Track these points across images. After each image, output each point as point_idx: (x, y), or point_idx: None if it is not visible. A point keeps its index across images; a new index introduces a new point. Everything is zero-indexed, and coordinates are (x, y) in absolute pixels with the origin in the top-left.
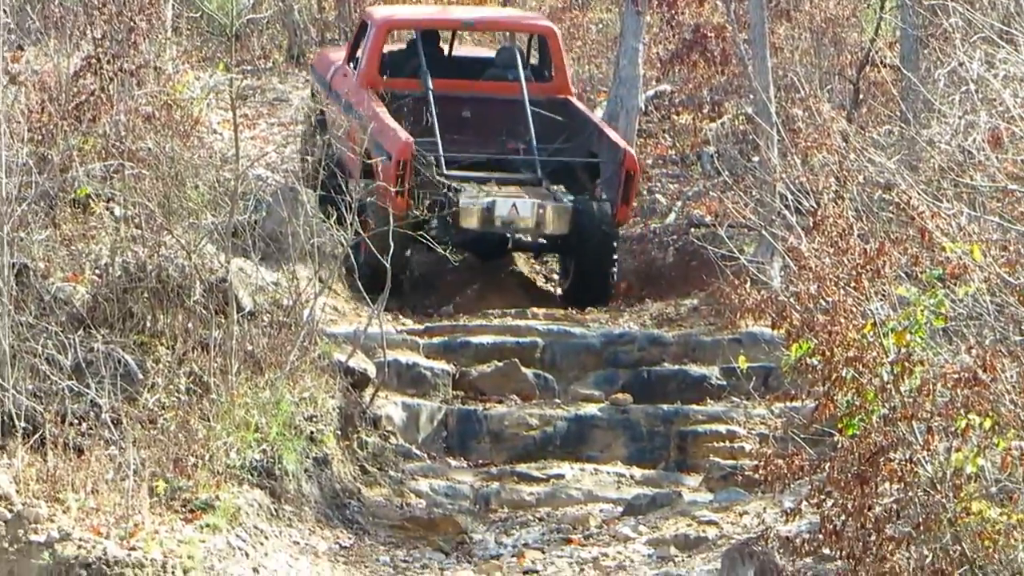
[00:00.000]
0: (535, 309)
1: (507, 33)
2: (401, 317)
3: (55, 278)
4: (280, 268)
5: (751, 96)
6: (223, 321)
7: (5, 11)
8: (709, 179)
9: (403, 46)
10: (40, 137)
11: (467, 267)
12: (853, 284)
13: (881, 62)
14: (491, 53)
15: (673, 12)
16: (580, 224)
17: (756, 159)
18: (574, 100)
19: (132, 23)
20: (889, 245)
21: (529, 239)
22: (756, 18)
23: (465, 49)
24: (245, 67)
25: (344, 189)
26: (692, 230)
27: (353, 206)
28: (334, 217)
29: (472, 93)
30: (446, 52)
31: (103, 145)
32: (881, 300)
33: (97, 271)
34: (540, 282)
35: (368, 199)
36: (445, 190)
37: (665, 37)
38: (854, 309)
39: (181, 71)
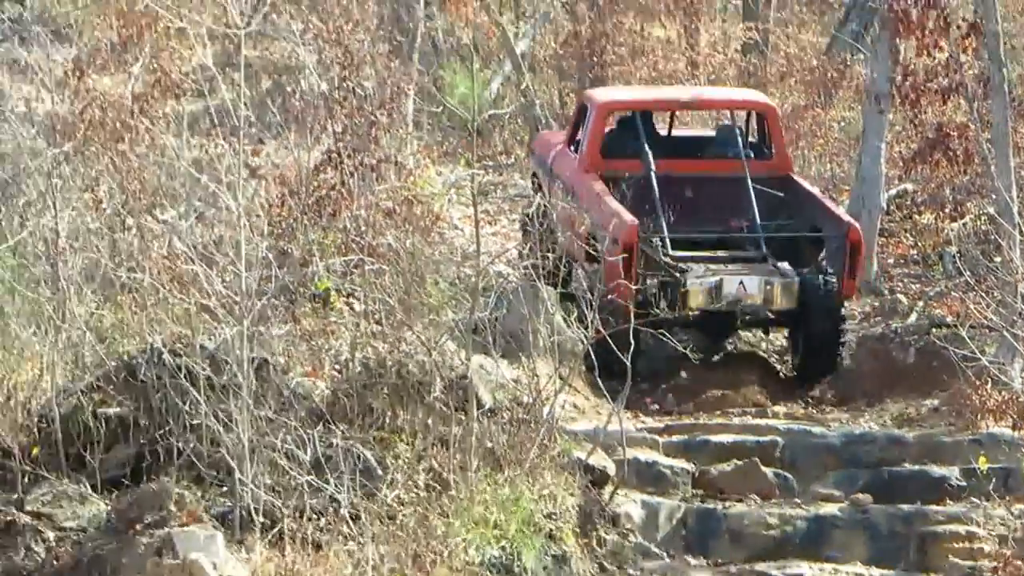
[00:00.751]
0: (774, 408)
1: (727, 112)
2: (641, 415)
3: (295, 373)
4: (520, 365)
5: (994, 196)
6: (463, 418)
7: (246, 104)
8: (951, 279)
9: (617, 127)
10: (280, 231)
11: (704, 365)
12: None
13: None
14: (710, 132)
15: (916, 111)
16: (807, 298)
17: (998, 259)
18: (795, 176)
19: (373, 117)
20: None
21: (757, 316)
22: (999, 116)
23: (684, 130)
24: (487, 162)
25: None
26: (933, 330)
27: (584, 295)
28: (574, 315)
29: (693, 173)
30: (665, 132)
31: (343, 240)
32: None
33: (337, 366)
34: (771, 360)
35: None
36: (672, 270)
37: (907, 136)
38: None
39: (422, 166)
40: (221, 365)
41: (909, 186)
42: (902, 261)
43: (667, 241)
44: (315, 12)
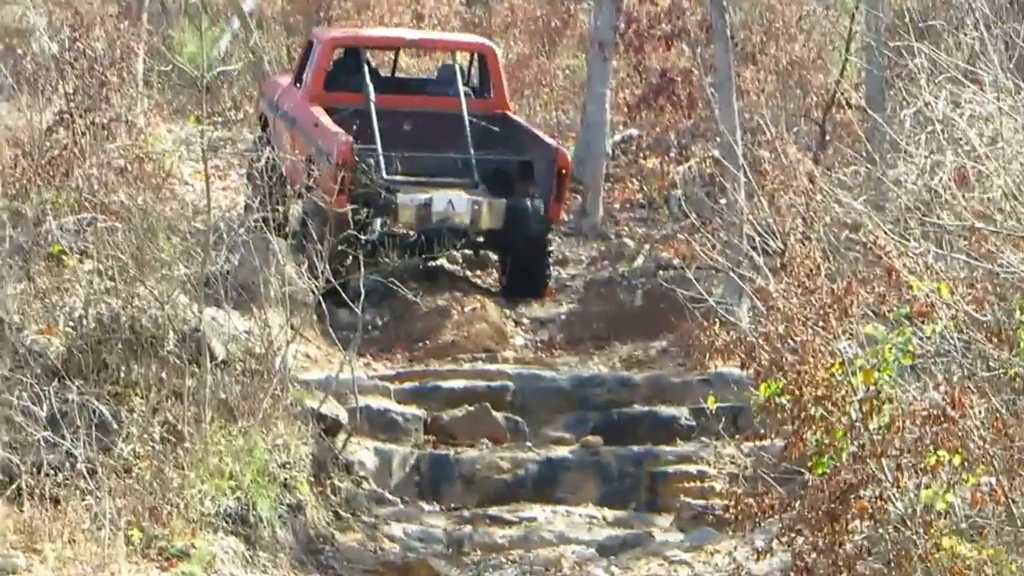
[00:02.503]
0: (504, 353)
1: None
2: (372, 363)
3: (30, 331)
4: (252, 317)
5: (718, 139)
6: (196, 370)
7: None
8: (677, 222)
9: (341, 63)
10: (14, 192)
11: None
12: (821, 323)
13: (847, 103)
14: (433, 76)
15: (640, 57)
16: (514, 220)
17: (723, 201)
18: (511, 114)
19: (103, 77)
20: (856, 284)
21: (466, 236)
22: (722, 62)
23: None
24: (216, 119)
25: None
26: (660, 273)
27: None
28: (305, 264)
29: (413, 108)
30: (389, 73)
31: (76, 199)
32: (849, 339)
33: (71, 323)
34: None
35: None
36: (384, 190)
37: (632, 82)
38: (822, 348)
39: (153, 124)
40: None
41: (634, 131)
42: (628, 205)
43: (381, 163)
44: None
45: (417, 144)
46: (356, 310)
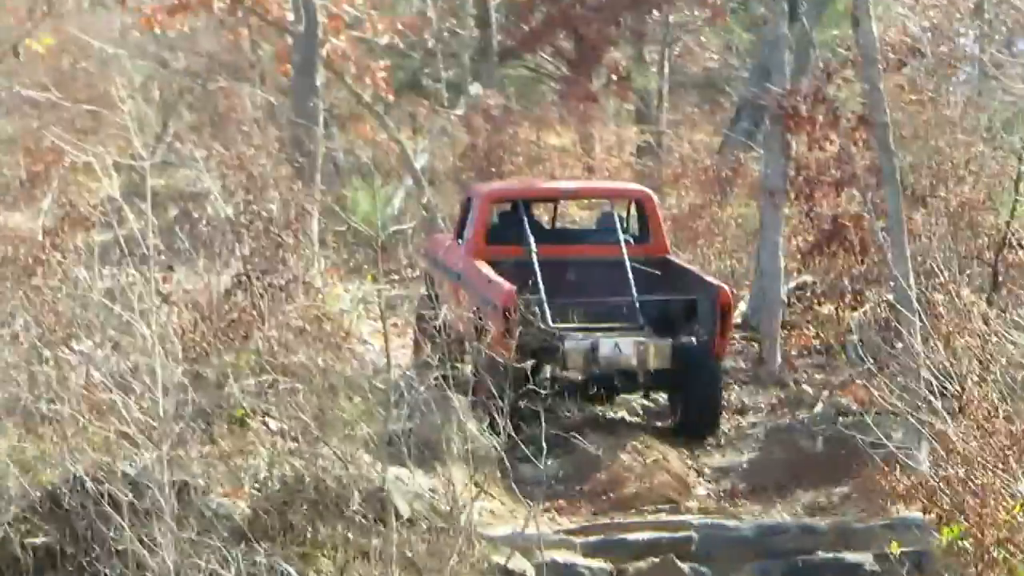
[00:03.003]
0: (687, 503)
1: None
2: (557, 517)
3: (215, 493)
4: (436, 474)
5: (891, 284)
6: (382, 529)
7: (154, 232)
8: (854, 367)
9: (502, 217)
10: (194, 355)
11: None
12: (1001, 465)
13: (1018, 243)
14: (591, 225)
15: (810, 204)
16: (680, 359)
17: (899, 346)
18: (672, 258)
19: (279, 239)
20: None
21: (634, 379)
22: (893, 206)
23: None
24: (392, 277)
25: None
26: (840, 419)
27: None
28: (486, 421)
29: (574, 257)
30: (548, 224)
31: (256, 361)
32: None
33: (256, 485)
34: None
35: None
36: (550, 336)
37: (804, 228)
38: (1003, 490)
39: (330, 284)
40: (142, 490)
41: (808, 278)
42: (805, 352)
43: (546, 310)
44: (217, 139)
45: (580, 292)
46: (539, 465)
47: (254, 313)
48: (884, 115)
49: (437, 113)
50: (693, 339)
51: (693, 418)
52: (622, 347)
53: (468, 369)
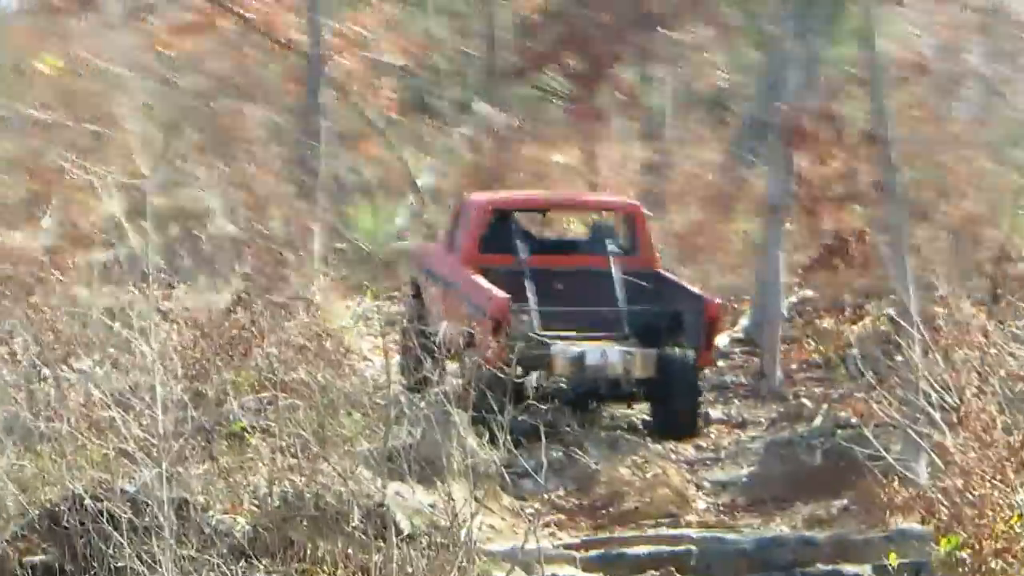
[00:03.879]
0: (688, 517)
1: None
2: (557, 532)
3: (215, 511)
4: (436, 490)
5: (892, 297)
6: (382, 545)
7: (155, 251)
8: (854, 381)
9: (493, 227)
10: (194, 373)
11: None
12: (999, 477)
13: (1018, 256)
14: (583, 237)
15: (813, 219)
16: (665, 369)
17: (899, 359)
18: (661, 271)
19: (280, 256)
20: None
21: (619, 387)
22: (895, 221)
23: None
24: (393, 294)
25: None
26: (839, 432)
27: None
28: (487, 436)
29: (564, 267)
30: (539, 235)
31: (256, 377)
32: None
33: (256, 502)
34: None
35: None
36: (539, 344)
37: (805, 244)
38: (1001, 502)
39: (331, 301)
40: (142, 507)
41: (809, 292)
42: (805, 366)
43: (535, 319)
44: (221, 158)
45: (569, 302)
46: (539, 480)
47: (254, 330)
48: (888, 131)
49: (442, 132)
50: (678, 350)
51: (672, 426)
52: (609, 356)
53: (456, 381)
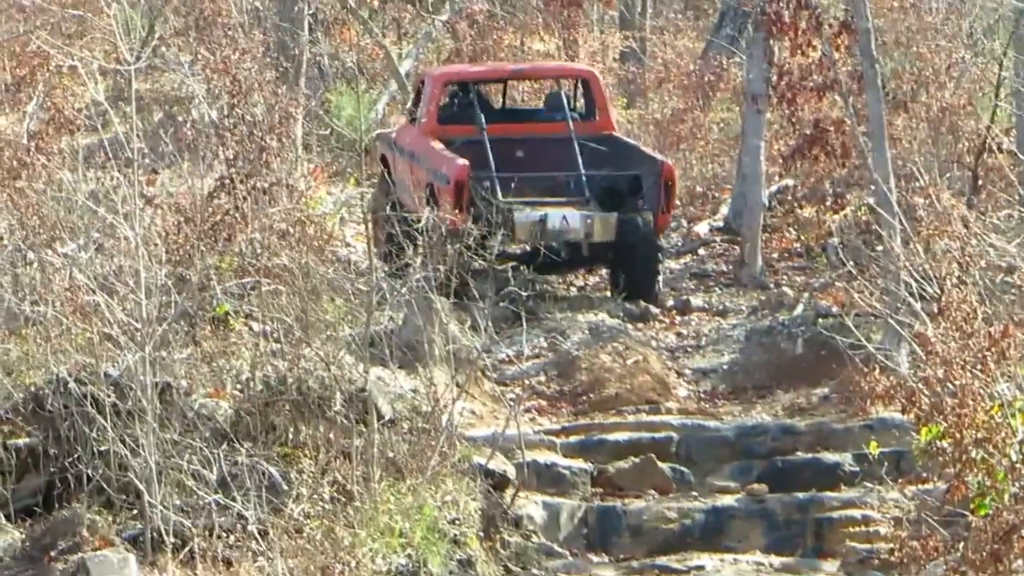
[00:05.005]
0: (668, 405)
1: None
2: (538, 418)
3: (198, 395)
4: (417, 375)
5: (872, 187)
6: (364, 430)
7: (139, 136)
8: (835, 270)
9: (453, 99)
10: (178, 258)
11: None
12: (979, 367)
13: (998, 148)
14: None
15: (792, 109)
16: (625, 232)
17: (880, 249)
18: (617, 134)
19: (263, 143)
20: (1013, 327)
21: (580, 250)
22: (874, 111)
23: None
24: (375, 180)
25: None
26: (820, 321)
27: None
28: (468, 323)
29: (523, 134)
30: (499, 103)
31: (239, 263)
32: (1008, 381)
33: (239, 386)
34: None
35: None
36: (501, 208)
37: (786, 133)
38: (981, 391)
39: (313, 187)
40: (126, 391)
41: (790, 182)
42: (786, 255)
43: (496, 185)
44: (202, 43)
45: (530, 169)
46: (521, 367)
47: (237, 216)
48: (866, 20)
49: (422, 18)
50: (637, 213)
51: (633, 288)
52: (569, 220)
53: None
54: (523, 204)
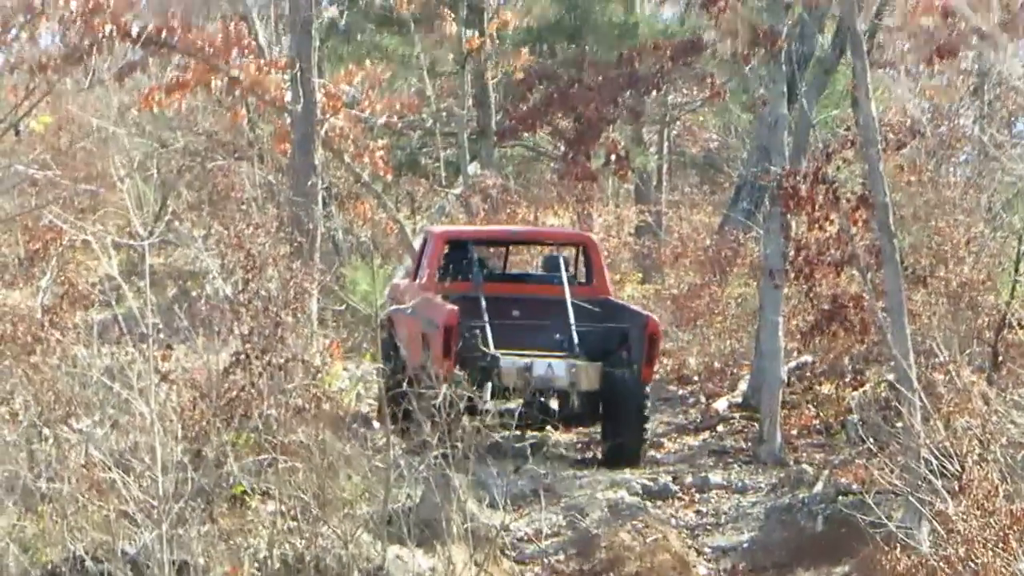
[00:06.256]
0: None
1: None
2: None
3: (215, 573)
4: (436, 553)
5: (891, 363)
6: None
7: (153, 311)
8: (854, 447)
9: (454, 257)
10: (193, 434)
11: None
12: (1001, 545)
13: (1018, 323)
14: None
15: (810, 284)
16: (610, 382)
17: (900, 425)
18: (612, 298)
19: (278, 318)
20: None
21: (567, 401)
22: (893, 286)
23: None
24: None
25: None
26: (840, 498)
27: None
28: (486, 501)
29: (520, 295)
30: (499, 268)
31: (256, 439)
32: None
33: (256, 564)
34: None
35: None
36: (489, 356)
37: (803, 308)
38: (1003, 570)
39: (329, 363)
40: (143, 569)
41: (808, 358)
42: (805, 431)
43: (488, 335)
44: (216, 218)
45: (525, 328)
46: (540, 546)
47: (253, 391)
48: (884, 195)
49: (436, 192)
50: (622, 365)
51: (621, 441)
52: (555, 368)
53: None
54: (511, 354)
